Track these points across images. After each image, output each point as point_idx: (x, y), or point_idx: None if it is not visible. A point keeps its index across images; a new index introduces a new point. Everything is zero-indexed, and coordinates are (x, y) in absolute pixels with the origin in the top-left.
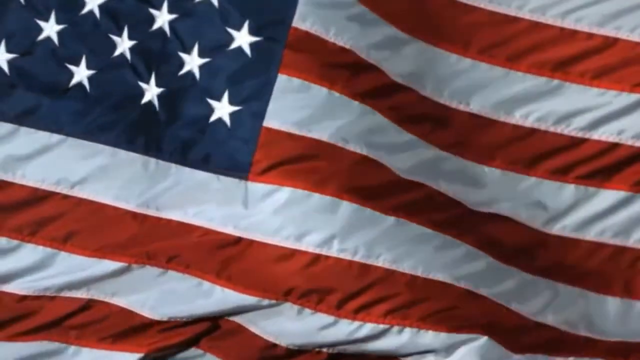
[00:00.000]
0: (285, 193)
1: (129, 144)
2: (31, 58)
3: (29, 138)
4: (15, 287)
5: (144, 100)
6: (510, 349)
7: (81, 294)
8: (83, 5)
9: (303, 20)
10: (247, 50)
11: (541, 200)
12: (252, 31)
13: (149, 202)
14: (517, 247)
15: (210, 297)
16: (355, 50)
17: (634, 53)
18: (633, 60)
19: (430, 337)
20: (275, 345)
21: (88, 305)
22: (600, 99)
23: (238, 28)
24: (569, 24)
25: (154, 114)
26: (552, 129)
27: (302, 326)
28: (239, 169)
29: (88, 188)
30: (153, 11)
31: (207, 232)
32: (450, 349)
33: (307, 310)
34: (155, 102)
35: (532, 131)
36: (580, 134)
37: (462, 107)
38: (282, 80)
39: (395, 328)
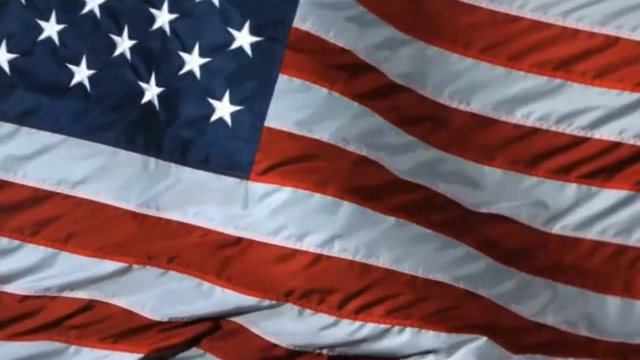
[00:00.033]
0: (286, 193)
1: (128, 144)
2: (32, 58)
3: (30, 138)
4: (17, 288)
5: (144, 100)
6: (509, 349)
7: (82, 295)
8: (83, 5)
9: (304, 21)
10: (248, 50)
11: (542, 200)
12: (253, 31)
13: (149, 202)
14: (516, 247)
15: (211, 297)
16: (354, 51)
17: (635, 52)
18: (634, 59)
19: (431, 337)
20: (275, 346)
21: (89, 305)
22: (601, 98)
23: (239, 28)
24: (570, 23)
25: (153, 114)
26: (553, 129)
27: (303, 327)
28: (239, 169)
29: (88, 188)
30: (153, 11)
31: (207, 232)
32: (450, 349)
33: (308, 311)
34: (155, 102)
35: (534, 130)
36: (581, 134)
37: (462, 107)
38: (283, 81)
39: (396, 328)
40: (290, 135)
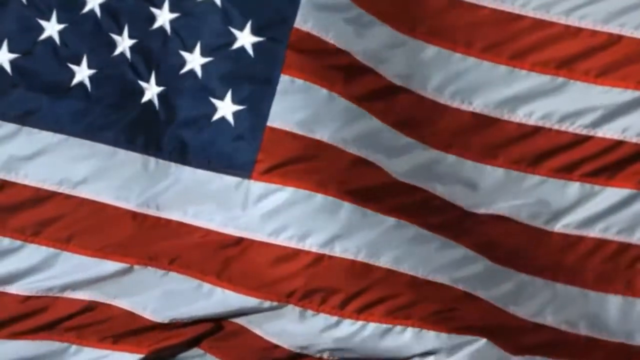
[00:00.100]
0: (287, 193)
1: (128, 144)
2: (33, 58)
3: (31, 138)
4: (19, 288)
5: (144, 99)
6: (509, 350)
7: (83, 295)
8: (84, 4)
9: (304, 22)
10: (250, 50)
11: (545, 199)
12: (255, 31)
13: (149, 202)
14: (516, 247)
15: (211, 298)
16: (352, 52)
17: (638, 50)
18: (637, 57)
19: (432, 338)
20: (277, 347)
21: (90, 307)
22: (604, 97)
23: (240, 28)
24: (573, 21)
25: (153, 113)
26: (556, 127)
27: (305, 328)
28: (241, 168)
29: (89, 188)
30: (154, 10)
31: (208, 232)
32: (451, 350)
33: (309, 312)
34: (155, 101)
35: (536, 129)
36: (584, 132)
37: (464, 107)
38: (285, 81)
39: (398, 328)
40: (292, 135)
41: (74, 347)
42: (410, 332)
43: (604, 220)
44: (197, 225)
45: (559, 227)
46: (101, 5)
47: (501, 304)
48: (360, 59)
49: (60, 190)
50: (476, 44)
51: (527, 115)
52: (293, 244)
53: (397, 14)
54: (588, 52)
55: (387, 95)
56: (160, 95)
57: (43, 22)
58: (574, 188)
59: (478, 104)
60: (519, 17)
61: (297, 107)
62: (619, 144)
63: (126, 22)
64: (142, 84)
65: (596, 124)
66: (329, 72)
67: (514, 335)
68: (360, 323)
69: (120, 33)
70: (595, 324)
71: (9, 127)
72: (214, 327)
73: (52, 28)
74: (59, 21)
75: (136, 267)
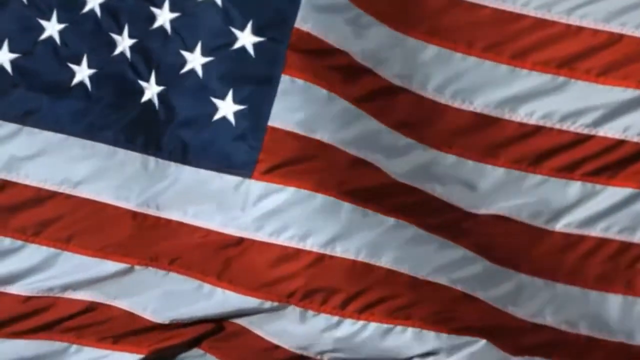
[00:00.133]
0: (288, 193)
1: (128, 143)
2: (33, 57)
3: (32, 138)
4: (20, 289)
5: (144, 98)
6: (508, 351)
7: (84, 296)
8: (84, 4)
9: (305, 22)
10: (251, 50)
11: (546, 198)
12: (255, 31)
13: (149, 201)
14: (515, 247)
15: (212, 299)
16: (351, 53)
17: (639, 49)
18: (638, 56)
19: (432, 338)
20: (277, 347)
21: (91, 307)
22: (605, 96)
23: (241, 28)
24: (574, 20)
25: (153, 113)
26: (557, 127)
27: (305, 329)
28: (242, 168)
29: (89, 187)
30: (154, 9)
31: (209, 232)
32: (451, 350)
33: (310, 312)
34: (155, 101)
35: (537, 129)
36: (585, 131)
37: (465, 107)
38: (286, 81)
39: (399, 328)
40: (293, 135)
41: (74, 347)
42: (410, 332)
43: (605, 220)
44: (197, 225)
45: (560, 226)
46: (101, 5)
47: (500, 305)
48: (359, 59)
49: (61, 190)
50: (477, 43)
51: (528, 114)
52: (294, 244)
53: (396, 14)
54: (589, 51)
55: (386, 95)
56: (160, 95)
57: (43, 22)
58: (575, 187)
59: (479, 104)
60: (520, 17)
61: (297, 107)
62: (620, 143)
63: (126, 21)
64: (142, 83)
65: (597, 123)
66: (328, 72)
67: (513, 336)
68: (361, 323)
69: (120, 33)
70: (595, 324)
71: (9, 127)
72: (215, 328)
73: (52, 28)
74: (59, 21)
75: (137, 267)
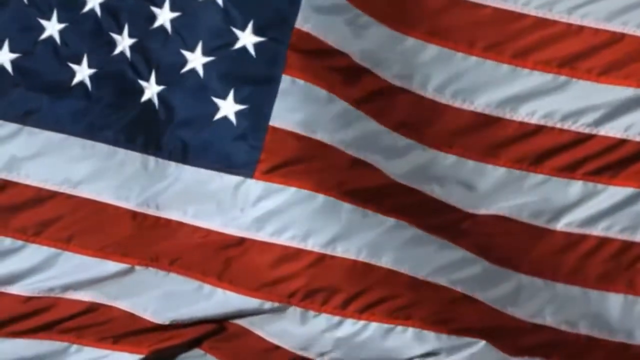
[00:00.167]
0: (289, 193)
1: (128, 143)
2: (33, 57)
3: (33, 138)
4: (20, 289)
5: (144, 98)
6: (508, 352)
7: (85, 296)
8: (84, 3)
9: (305, 22)
10: (252, 50)
11: (547, 198)
12: (256, 31)
13: (148, 201)
14: (516, 247)
15: (212, 299)
16: (351, 54)
17: None
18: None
19: (432, 338)
20: (277, 348)
21: (91, 308)
22: (607, 95)
23: (242, 28)
24: (575, 20)
25: (153, 112)
26: (558, 126)
27: (306, 329)
28: (243, 168)
29: (90, 187)
30: (154, 9)
31: (209, 232)
32: (451, 351)
33: (311, 313)
34: (155, 100)
35: (539, 128)
36: (587, 131)
37: (466, 106)
38: (287, 81)
39: (399, 328)
40: (294, 136)
41: (74, 347)
42: (411, 332)
43: (606, 219)
44: (197, 226)
45: (561, 225)
46: (101, 5)
47: (499, 306)
48: (358, 60)
49: (61, 190)
50: (478, 43)
51: (530, 114)
52: (295, 244)
53: (395, 14)
54: (590, 50)
55: (386, 96)
56: (160, 95)
57: (44, 22)
58: (577, 187)
59: (480, 104)
60: (521, 16)
61: (298, 107)
62: (621, 142)
63: (126, 21)
64: (142, 83)
65: (599, 122)
66: (328, 73)
67: (513, 337)
68: (362, 323)
69: (120, 32)
70: (595, 324)
71: (10, 127)
72: (216, 328)
73: (52, 27)
74: (60, 21)
75: (137, 267)
